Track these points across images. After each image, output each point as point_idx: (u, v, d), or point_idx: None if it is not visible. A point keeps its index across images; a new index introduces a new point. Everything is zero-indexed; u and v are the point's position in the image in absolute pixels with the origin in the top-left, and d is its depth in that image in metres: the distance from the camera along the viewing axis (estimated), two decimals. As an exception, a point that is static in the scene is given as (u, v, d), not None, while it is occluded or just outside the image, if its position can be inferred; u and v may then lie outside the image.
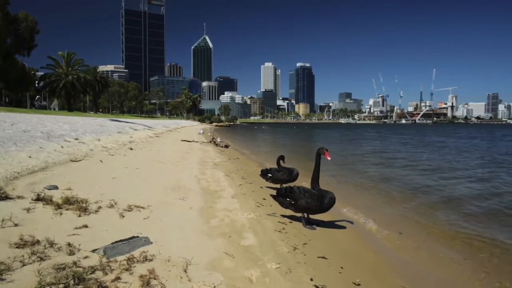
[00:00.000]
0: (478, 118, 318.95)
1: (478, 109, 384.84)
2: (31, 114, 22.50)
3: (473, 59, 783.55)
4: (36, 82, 63.31)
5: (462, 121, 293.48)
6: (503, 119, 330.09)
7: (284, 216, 5.64)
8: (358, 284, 3.44)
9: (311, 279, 3.34)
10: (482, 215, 6.67)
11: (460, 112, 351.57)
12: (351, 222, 5.83)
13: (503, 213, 6.89)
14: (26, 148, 8.64)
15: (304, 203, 5.13)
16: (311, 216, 5.46)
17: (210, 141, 24.87)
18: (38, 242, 3.31)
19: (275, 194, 5.63)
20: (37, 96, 75.36)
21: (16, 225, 3.76)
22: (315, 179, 5.34)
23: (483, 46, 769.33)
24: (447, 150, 23.16)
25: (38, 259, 2.96)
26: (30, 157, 7.84)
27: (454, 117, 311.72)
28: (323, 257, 4.01)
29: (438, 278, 4.03)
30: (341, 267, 3.80)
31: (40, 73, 66.45)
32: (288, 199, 5.29)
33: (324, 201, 5.12)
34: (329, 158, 5.37)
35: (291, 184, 6.82)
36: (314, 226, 5.30)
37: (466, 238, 5.35)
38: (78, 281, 2.60)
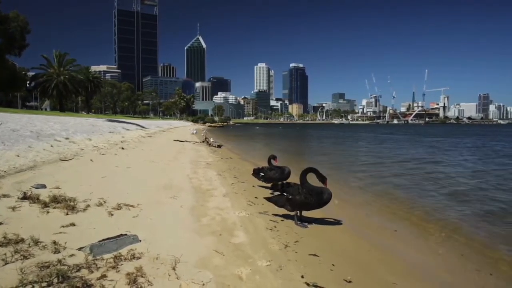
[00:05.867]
0: (469, 118, 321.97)
1: (470, 109, 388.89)
2: (21, 114, 22.21)
3: (465, 60, 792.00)
4: (28, 82, 62.55)
5: (453, 121, 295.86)
6: (494, 119, 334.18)
7: (276, 215, 5.59)
8: (350, 281, 3.41)
9: (302, 276, 3.30)
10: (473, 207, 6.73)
11: (452, 113, 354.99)
12: (342, 220, 5.80)
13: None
14: (15, 147, 8.49)
15: (303, 198, 5.09)
16: (304, 214, 5.41)
17: (203, 141, 24.77)
18: (22, 240, 3.23)
19: (268, 196, 5.55)
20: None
21: (0, 223, 3.67)
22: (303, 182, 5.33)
23: (474, 47, 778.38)
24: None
25: (22, 257, 2.88)
26: (18, 156, 7.71)
27: (446, 117, 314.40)
28: (314, 255, 3.98)
29: (429, 275, 4.02)
30: (333, 264, 3.77)
31: (31, 73, 65.63)
32: (285, 194, 5.24)
33: (323, 196, 5.09)
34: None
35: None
36: (306, 224, 5.26)
37: (457, 235, 5.37)
38: (62, 279, 2.54)
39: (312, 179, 5.32)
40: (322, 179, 5.22)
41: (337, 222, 5.63)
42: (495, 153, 20.86)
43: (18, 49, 41.22)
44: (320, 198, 5.09)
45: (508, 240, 5.20)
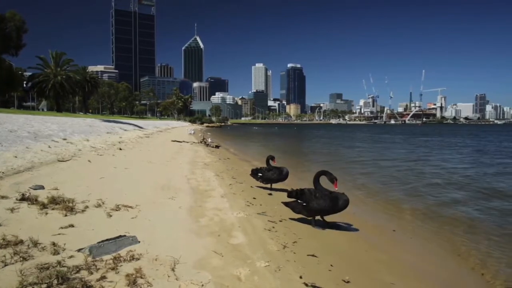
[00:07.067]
0: (466, 118, 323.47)
1: (466, 109, 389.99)
2: (18, 114, 22.13)
3: (462, 60, 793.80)
4: (24, 82, 62.23)
5: (451, 121, 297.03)
6: (491, 120, 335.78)
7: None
8: (348, 282, 3.42)
9: (301, 277, 3.32)
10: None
11: (449, 113, 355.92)
12: (340, 220, 5.82)
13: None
14: (12, 148, 8.48)
15: (317, 205, 5.11)
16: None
17: (201, 142, 24.76)
18: (21, 242, 3.23)
19: (286, 201, 5.53)
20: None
21: (-1, 225, 3.67)
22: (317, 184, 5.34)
23: (471, 48, 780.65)
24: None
25: (21, 259, 2.89)
26: (16, 157, 7.69)
27: (443, 117, 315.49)
28: (313, 255, 3.99)
29: (427, 275, 4.05)
30: (331, 265, 3.79)
31: (28, 73, 65.29)
32: (299, 201, 5.25)
33: (338, 202, 5.10)
34: (336, 188, 5.27)
35: (281, 184, 6.81)
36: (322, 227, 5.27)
37: (453, 235, 5.41)
38: (62, 281, 2.55)
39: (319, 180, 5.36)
40: (332, 179, 5.27)
41: (335, 223, 5.65)
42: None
43: (14, 49, 40.96)
44: (335, 203, 5.10)
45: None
